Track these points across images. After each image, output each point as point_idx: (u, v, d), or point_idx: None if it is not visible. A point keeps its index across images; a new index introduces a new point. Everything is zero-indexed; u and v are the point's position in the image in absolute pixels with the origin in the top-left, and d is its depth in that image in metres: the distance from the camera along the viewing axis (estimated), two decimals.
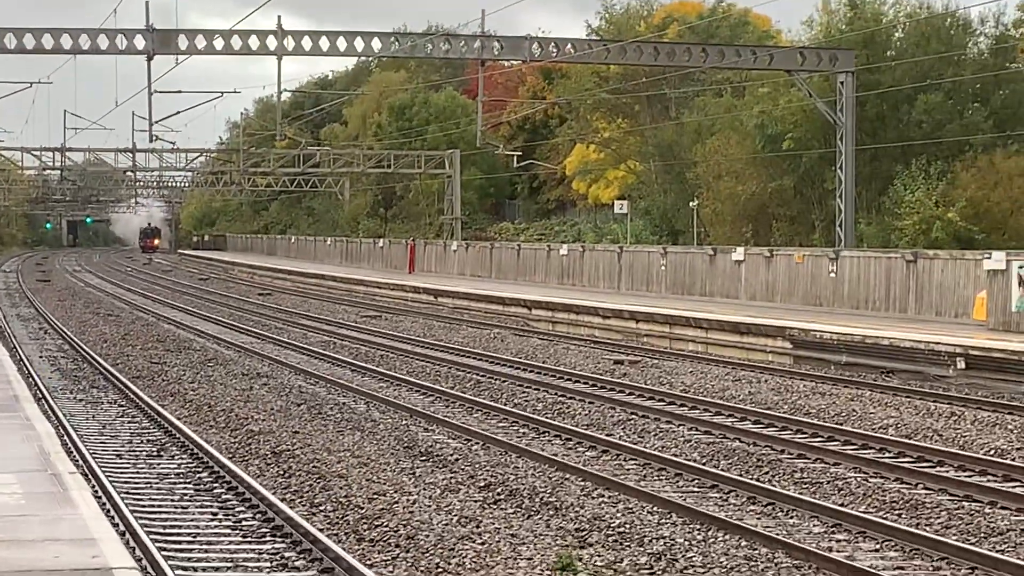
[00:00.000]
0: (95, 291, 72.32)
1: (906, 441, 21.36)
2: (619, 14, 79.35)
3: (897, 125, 55.01)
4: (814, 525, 15.94)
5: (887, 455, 20.40)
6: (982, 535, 15.57)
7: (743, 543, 14.96)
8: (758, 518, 16.34)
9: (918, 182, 50.90)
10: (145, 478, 19.03)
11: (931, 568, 14.10)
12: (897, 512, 16.79)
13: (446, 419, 24.28)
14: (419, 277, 68.60)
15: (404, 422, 24.30)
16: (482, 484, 18.36)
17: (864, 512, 16.49)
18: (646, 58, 55.77)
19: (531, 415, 24.79)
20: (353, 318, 50.71)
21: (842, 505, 16.95)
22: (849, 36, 55.23)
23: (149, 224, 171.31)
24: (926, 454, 20.25)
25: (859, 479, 18.81)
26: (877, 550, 14.82)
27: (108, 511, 15.18)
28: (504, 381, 30.55)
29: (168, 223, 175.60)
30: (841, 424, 23.52)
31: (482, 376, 31.55)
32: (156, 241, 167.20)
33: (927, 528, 15.81)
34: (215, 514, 16.63)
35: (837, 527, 15.74)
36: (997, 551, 14.60)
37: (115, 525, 14.05)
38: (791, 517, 16.37)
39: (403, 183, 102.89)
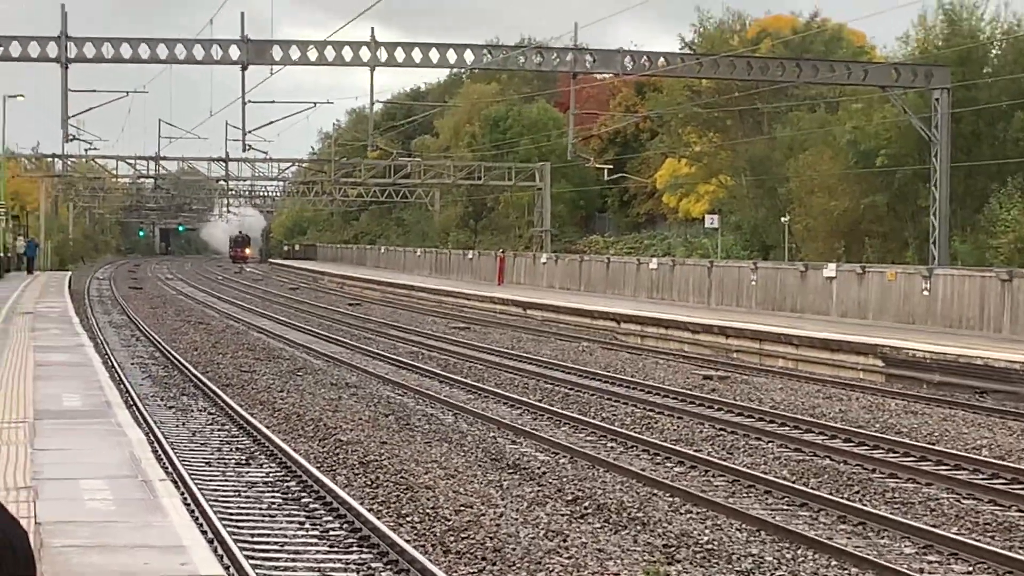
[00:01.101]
0: (186, 299, 72.89)
1: (1000, 462, 21.07)
2: (712, 28, 79.09)
3: (993, 142, 54.48)
4: (905, 546, 15.74)
5: (980, 476, 20.15)
6: None
7: (833, 563, 14.80)
8: (848, 537, 16.16)
9: (1014, 200, 50.34)
10: (233, 486, 19.10)
11: None
12: (990, 534, 16.55)
13: (534, 432, 24.22)
14: (508, 289, 68.60)
15: (491, 434, 24.27)
16: (569, 498, 18.28)
17: (956, 534, 16.27)
18: (739, 72, 55.57)
19: (619, 429, 24.69)
20: (442, 329, 50.78)
21: (934, 526, 16.73)
22: (945, 52, 54.75)
23: (240, 232, 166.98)
24: (1020, 476, 19.96)
25: (951, 500, 18.58)
26: (969, 572, 14.62)
27: (196, 518, 15.24)
28: (592, 395, 30.45)
29: (262, 233, 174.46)
30: (933, 444, 23.24)
31: (570, 389, 31.47)
32: (247, 250, 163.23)
33: (1021, 551, 15.57)
34: (302, 523, 16.67)
35: (928, 548, 15.54)
36: None
37: (203, 532, 14.10)
38: (882, 537, 16.18)
39: (493, 195, 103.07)
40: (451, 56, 54.43)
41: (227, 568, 13.26)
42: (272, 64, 53.48)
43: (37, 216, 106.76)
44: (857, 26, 74.27)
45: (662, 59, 56.26)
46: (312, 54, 53.17)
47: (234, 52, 52.57)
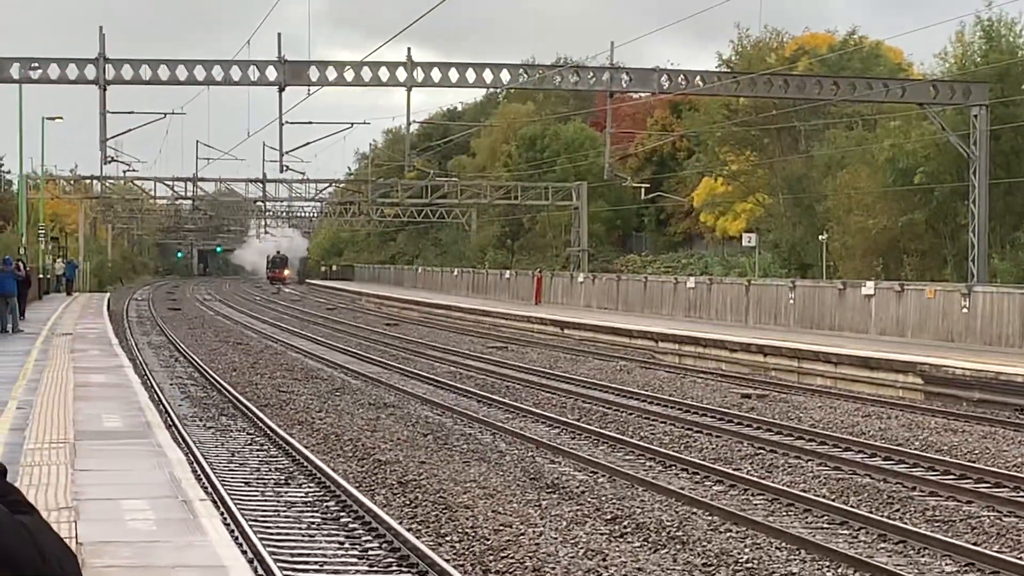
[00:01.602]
0: (224, 320, 73.13)
1: None
2: (749, 46, 79.08)
3: None
4: (946, 564, 15.67)
5: (1021, 494, 20.03)
6: None
7: None
8: (889, 556, 16.10)
9: None
10: (273, 506, 19.14)
11: None
12: None
13: (572, 451, 24.20)
14: (545, 309, 68.63)
15: (530, 453, 24.26)
16: (608, 517, 18.26)
17: (998, 552, 16.19)
18: (776, 90, 55.52)
19: (657, 448, 24.65)
20: (479, 349, 50.81)
21: (975, 544, 16.65)
22: (984, 69, 54.60)
23: (278, 252, 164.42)
24: None
25: (992, 518, 18.48)
26: None
27: (236, 538, 15.28)
28: (630, 414, 30.42)
29: (301, 258, 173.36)
30: (974, 462, 23.13)
31: (608, 408, 31.44)
32: (285, 271, 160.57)
33: None
34: (341, 543, 16.68)
35: (970, 566, 15.46)
36: None
37: (243, 552, 14.12)
38: (923, 556, 16.11)
39: (530, 215, 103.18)
40: (487, 76, 54.52)
41: None
42: (309, 85, 53.67)
43: (76, 237, 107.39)
44: (895, 43, 74.22)
45: (699, 78, 56.23)
46: (349, 75, 53.34)
47: (271, 73, 52.79)
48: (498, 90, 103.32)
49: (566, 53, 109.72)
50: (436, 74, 53.69)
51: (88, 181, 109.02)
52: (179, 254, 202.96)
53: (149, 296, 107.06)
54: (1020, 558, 15.88)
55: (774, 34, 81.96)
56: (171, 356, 47.21)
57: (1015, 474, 21.53)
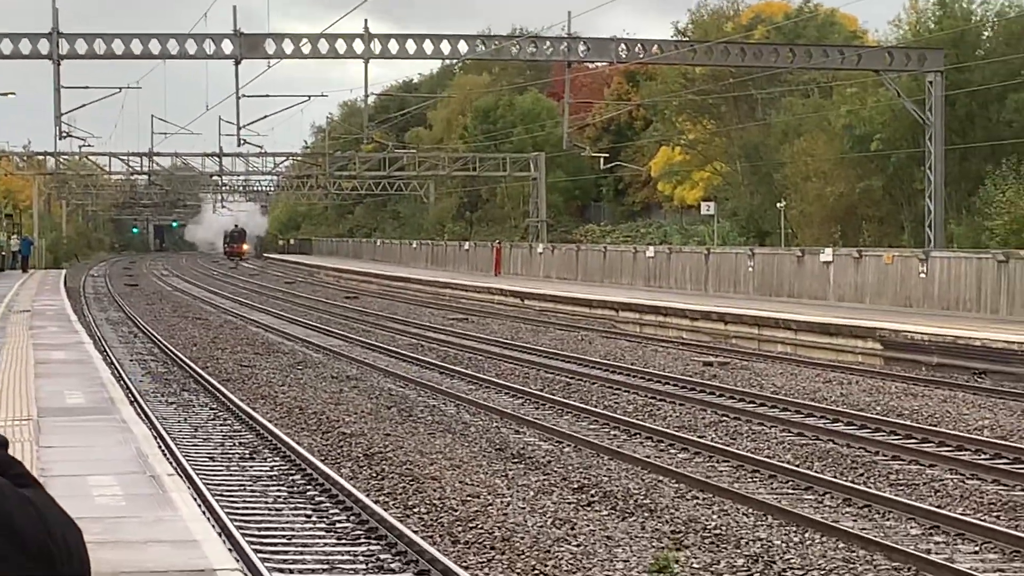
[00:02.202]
0: (182, 295, 72.87)
1: (1002, 442, 21.13)
2: (706, 15, 79.10)
3: (987, 124, 54.53)
4: (911, 527, 15.78)
5: (983, 456, 20.18)
6: None
7: (841, 545, 14.84)
8: (855, 520, 16.20)
9: (1009, 181, 50.39)
10: (239, 481, 19.12)
11: None
12: (996, 514, 16.60)
13: (536, 421, 24.25)
14: (505, 280, 68.64)
15: (495, 424, 24.30)
16: (575, 486, 18.32)
17: (962, 514, 16.31)
18: (733, 59, 55.58)
19: (621, 417, 24.73)
20: (440, 321, 50.80)
21: (939, 507, 16.77)
22: (938, 35, 54.78)
23: (236, 226, 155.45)
24: (1023, 455, 20.00)
25: (956, 481, 18.62)
26: (976, 552, 14.66)
27: (203, 513, 15.26)
28: (593, 383, 30.48)
29: (257, 234, 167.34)
30: (935, 426, 23.29)
31: (571, 378, 31.50)
32: (244, 246, 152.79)
33: None
34: (309, 516, 16.69)
35: (935, 529, 15.58)
36: None
37: (212, 527, 14.11)
38: (888, 519, 16.22)
39: (488, 186, 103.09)
40: (444, 47, 54.42)
41: (237, 562, 13.26)
42: (265, 58, 53.49)
43: (30, 214, 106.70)
44: (849, 11, 74.24)
45: (656, 47, 56.24)
46: (306, 47, 53.15)
47: (227, 46, 52.54)
48: (455, 62, 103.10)
49: (523, 24, 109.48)
50: (393, 46, 53.56)
51: (42, 157, 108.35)
52: (135, 230, 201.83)
53: (106, 272, 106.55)
54: (983, 520, 16.01)
55: (730, 2, 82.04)
56: (130, 332, 47.03)
57: (977, 437, 21.69)
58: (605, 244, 72.86)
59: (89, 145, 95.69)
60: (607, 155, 78.80)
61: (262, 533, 15.70)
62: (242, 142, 68.31)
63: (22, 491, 2.56)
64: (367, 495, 17.34)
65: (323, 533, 15.77)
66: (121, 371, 32.77)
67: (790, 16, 75.26)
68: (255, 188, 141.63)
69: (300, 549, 14.99)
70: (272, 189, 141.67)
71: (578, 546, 14.83)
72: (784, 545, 14.87)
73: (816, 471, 19.26)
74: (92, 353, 29.46)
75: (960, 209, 54.72)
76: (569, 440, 22.18)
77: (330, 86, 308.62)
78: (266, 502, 17.61)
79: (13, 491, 2.52)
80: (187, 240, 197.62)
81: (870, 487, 18.11)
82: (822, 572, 13.82)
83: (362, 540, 15.30)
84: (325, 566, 14.23)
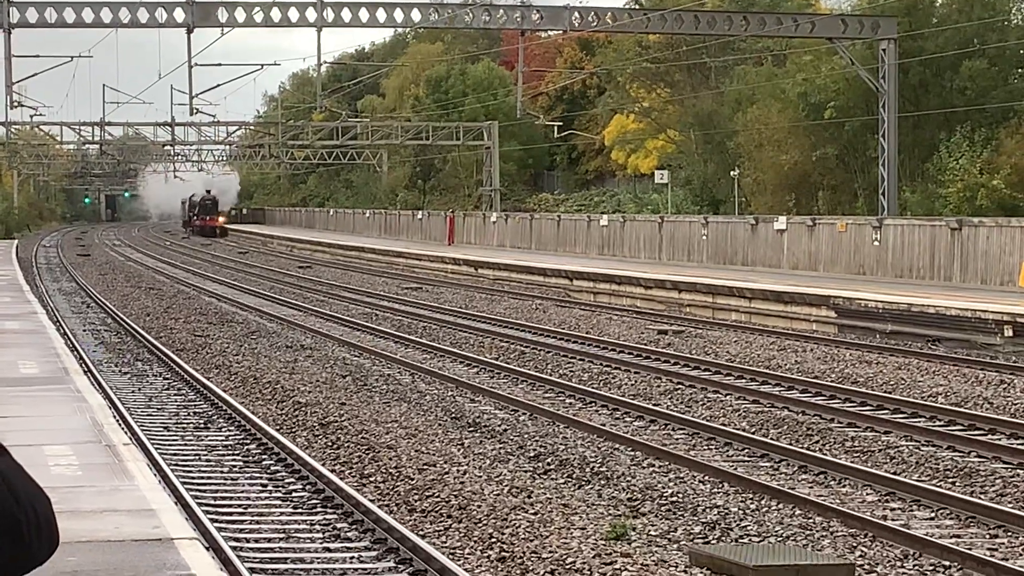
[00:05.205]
0: (135, 265, 72.51)
1: (957, 409, 21.22)
2: None
3: (940, 92, 54.71)
4: (867, 494, 15.84)
5: (938, 423, 20.27)
6: None
7: (797, 512, 14.89)
8: (811, 487, 16.26)
9: (962, 149, 50.62)
10: (194, 450, 19.05)
11: (988, 536, 14.00)
12: (951, 480, 16.68)
13: (492, 390, 24.24)
14: (459, 249, 68.55)
15: (450, 393, 24.28)
16: (532, 454, 18.32)
17: (918, 480, 16.39)
18: (686, 27, 55.58)
19: (577, 385, 24.74)
20: (394, 290, 50.71)
21: (895, 473, 16.85)
22: (891, 3, 54.89)
23: (208, 192, 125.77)
24: (977, 422, 20.10)
25: (911, 447, 18.70)
26: (932, 518, 14.73)
27: (159, 482, 15.19)
28: (548, 352, 30.48)
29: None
30: (890, 392, 23.38)
31: (526, 347, 31.49)
32: (220, 218, 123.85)
33: (982, 496, 15.70)
34: (264, 486, 16.63)
35: (891, 495, 15.64)
36: None
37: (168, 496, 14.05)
38: (844, 486, 16.28)
39: (441, 155, 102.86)
40: (398, 15, 54.25)
41: (192, 531, 13.20)
42: (218, 26, 53.16)
43: None
44: None
45: (609, 15, 56.21)
46: (258, 16, 52.86)
47: (179, 15, 52.21)
48: (407, 30, 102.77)
49: None
50: (346, 14, 53.33)
51: None
52: (87, 200, 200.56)
53: (58, 243, 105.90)
54: (939, 486, 16.08)
55: None
56: (83, 302, 46.76)
57: (931, 404, 21.79)
58: (559, 213, 72.85)
59: (40, 114, 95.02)
60: (560, 124, 78.77)
61: (218, 503, 15.65)
62: (195, 111, 67.99)
63: None
64: (323, 464, 17.29)
65: (279, 502, 15.72)
66: (75, 341, 32.57)
67: None
68: (207, 159, 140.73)
69: (256, 518, 14.93)
70: (225, 159, 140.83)
71: (535, 514, 14.83)
72: (741, 512, 14.91)
73: (772, 438, 19.32)
74: (46, 323, 29.31)
75: (914, 177, 54.93)
76: (525, 408, 22.18)
77: (283, 55, 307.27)
78: (222, 472, 17.55)
79: None
80: (140, 209, 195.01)
81: (825, 454, 18.18)
82: (779, 539, 13.86)
83: (318, 509, 15.26)
84: (282, 535, 14.18)
